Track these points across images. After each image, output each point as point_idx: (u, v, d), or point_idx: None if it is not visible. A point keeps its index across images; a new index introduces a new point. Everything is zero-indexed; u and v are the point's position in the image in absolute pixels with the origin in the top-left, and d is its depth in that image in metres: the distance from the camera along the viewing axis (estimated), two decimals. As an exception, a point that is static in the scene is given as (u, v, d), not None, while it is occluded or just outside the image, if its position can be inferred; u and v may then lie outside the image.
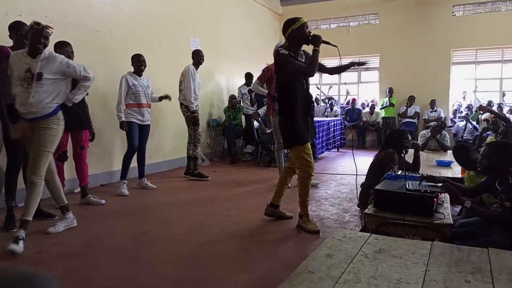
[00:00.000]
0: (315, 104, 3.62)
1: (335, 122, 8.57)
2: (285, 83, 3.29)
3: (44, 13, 4.38)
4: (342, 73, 5.84)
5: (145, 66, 4.81)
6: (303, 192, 3.43)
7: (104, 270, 2.63)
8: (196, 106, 5.49)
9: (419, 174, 2.94)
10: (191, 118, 5.47)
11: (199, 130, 5.64)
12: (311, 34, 3.22)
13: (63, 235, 3.30)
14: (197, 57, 5.55)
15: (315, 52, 3.18)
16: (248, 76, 7.69)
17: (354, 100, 10.29)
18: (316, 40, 3.18)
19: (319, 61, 3.22)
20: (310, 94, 3.50)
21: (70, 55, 3.89)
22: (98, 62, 5.00)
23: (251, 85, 5.24)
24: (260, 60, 9.87)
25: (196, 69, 5.56)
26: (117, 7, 5.41)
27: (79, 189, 4.79)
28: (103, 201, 4.31)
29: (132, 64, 4.79)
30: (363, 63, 3.54)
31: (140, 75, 4.80)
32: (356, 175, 3.70)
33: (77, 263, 2.72)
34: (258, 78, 5.16)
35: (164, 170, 6.30)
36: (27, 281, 0.46)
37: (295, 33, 3.19)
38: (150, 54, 5.88)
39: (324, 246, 1.65)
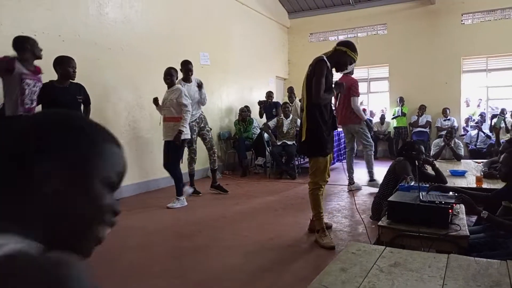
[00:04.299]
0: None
1: (346, 133, 8.56)
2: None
3: (57, 32, 4.49)
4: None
5: (171, 80, 4.76)
6: (315, 205, 3.38)
7: (115, 284, 2.64)
8: (194, 121, 5.28)
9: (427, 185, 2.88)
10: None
11: (192, 146, 5.36)
12: (337, 81, 3.57)
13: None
14: (185, 68, 5.27)
15: (332, 93, 3.38)
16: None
17: (364, 110, 10.24)
18: (339, 87, 3.52)
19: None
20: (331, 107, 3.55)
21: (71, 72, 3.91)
22: (111, 78, 5.09)
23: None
24: (269, 73, 9.96)
25: (187, 81, 5.31)
26: (128, 25, 5.52)
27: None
28: None
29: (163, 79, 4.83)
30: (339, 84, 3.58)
31: (168, 88, 4.79)
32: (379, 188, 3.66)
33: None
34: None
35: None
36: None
37: (343, 56, 3.30)
38: (160, 70, 5.99)
39: (338, 260, 1.64)
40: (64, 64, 3.85)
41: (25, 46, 3.50)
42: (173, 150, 4.67)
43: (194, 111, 5.29)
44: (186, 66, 5.29)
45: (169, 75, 4.72)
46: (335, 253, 3.10)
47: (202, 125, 5.45)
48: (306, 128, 3.31)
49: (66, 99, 3.87)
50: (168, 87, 4.77)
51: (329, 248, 3.22)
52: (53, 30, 4.45)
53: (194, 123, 5.33)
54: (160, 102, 4.85)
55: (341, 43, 3.38)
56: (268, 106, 7.97)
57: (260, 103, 8.08)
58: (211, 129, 5.63)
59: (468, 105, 9.55)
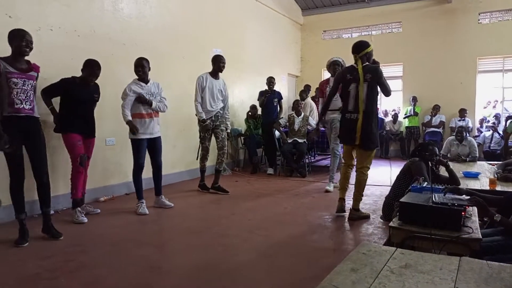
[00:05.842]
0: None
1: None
2: (376, 92, 3.92)
3: (73, 27, 4.55)
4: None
5: (143, 72, 4.33)
6: (364, 186, 4.08)
7: (128, 280, 2.67)
8: (209, 118, 5.19)
9: (444, 186, 2.86)
10: (200, 128, 5.24)
11: (206, 144, 5.28)
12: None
13: (90, 244, 3.38)
14: (219, 63, 5.20)
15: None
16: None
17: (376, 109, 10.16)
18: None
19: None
20: None
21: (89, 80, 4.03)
22: (124, 73, 5.11)
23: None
24: (281, 70, 9.93)
25: (215, 77, 5.26)
26: (142, 21, 5.56)
27: (105, 197, 4.92)
28: (98, 210, 4.33)
29: (134, 70, 4.38)
30: None
31: (145, 82, 4.38)
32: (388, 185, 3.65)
33: (102, 272, 2.77)
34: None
35: (187, 180, 6.38)
36: None
37: (369, 54, 3.94)
38: (173, 65, 6.06)
39: (348, 260, 1.63)
40: (87, 70, 4.00)
41: (9, 42, 3.29)
42: (161, 146, 4.58)
43: (213, 107, 5.23)
44: (221, 62, 5.22)
45: (141, 67, 4.30)
46: (344, 251, 3.09)
47: (218, 122, 5.31)
48: (372, 126, 3.88)
49: (85, 96, 4.03)
50: (141, 79, 4.35)
51: (367, 216, 4.12)
52: (69, 25, 4.50)
53: (209, 121, 5.22)
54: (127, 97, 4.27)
55: (361, 47, 3.91)
56: (270, 95, 7.22)
57: (264, 92, 7.32)
58: (226, 128, 5.43)
59: (485, 107, 9.39)
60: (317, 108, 7.79)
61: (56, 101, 3.99)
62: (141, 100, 4.27)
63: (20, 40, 3.25)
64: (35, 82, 3.43)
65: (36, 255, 3.06)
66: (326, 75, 8.84)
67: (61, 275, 2.69)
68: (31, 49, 3.33)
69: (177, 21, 6.23)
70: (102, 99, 4.35)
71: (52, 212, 4.24)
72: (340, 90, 4.18)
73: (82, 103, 4.00)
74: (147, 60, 4.39)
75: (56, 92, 3.93)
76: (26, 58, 3.37)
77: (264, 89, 7.34)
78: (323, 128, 6.06)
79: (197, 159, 5.46)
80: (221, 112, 5.37)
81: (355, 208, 4.07)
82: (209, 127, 5.21)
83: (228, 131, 5.58)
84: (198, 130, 5.34)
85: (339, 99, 4.99)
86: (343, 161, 4.43)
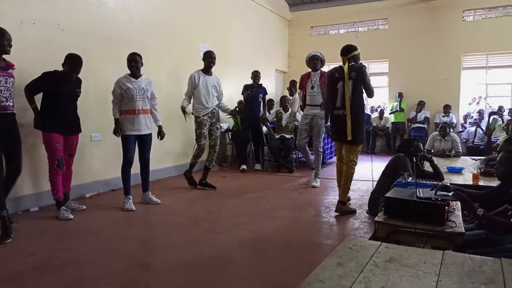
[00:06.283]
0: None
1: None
2: (361, 90, 4.09)
3: (57, 21, 4.46)
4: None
5: (136, 67, 4.31)
6: (351, 179, 4.18)
7: (114, 276, 2.65)
8: (206, 114, 5.18)
9: (432, 182, 2.90)
10: (196, 126, 5.22)
11: (201, 142, 5.20)
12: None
13: (75, 240, 3.34)
14: (208, 59, 5.20)
15: None
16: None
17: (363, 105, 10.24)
18: None
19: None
20: None
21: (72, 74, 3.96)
22: (109, 68, 5.06)
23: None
24: (269, 66, 9.93)
25: (208, 73, 5.23)
26: (128, 15, 5.49)
27: (90, 194, 4.87)
28: (84, 207, 4.28)
29: (127, 65, 4.36)
30: None
31: (136, 77, 4.35)
32: (372, 181, 3.69)
33: (88, 269, 2.75)
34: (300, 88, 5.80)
35: (174, 175, 6.34)
36: None
37: (356, 57, 4.19)
38: (160, 60, 6.00)
39: (334, 254, 1.65)
40: (68, 65, 3.90)
41: None
42: (151, 143, 4.56)
43: (208, 104, 5.20)
44: (210, 57, 5.20)
45: (134, 62, 4.28)
46: (331, 246, 3.12)
47: (214, 120, 5.29)
48: (359, 122, 4.04)
49: (67, 90, 3.93)
50: (132, 74, 4.33)
51: (354, 211, 4.18)
52: (52, 19, 4.41)
53: (206, 117, 5.20)
54: (119, 91, 4.29)
55: (349, 50, 4.18)
56: (256, 90, 6.92)
57: (250, 86, 6.98)
58: (221, 127, 5.42)
59: (470, 103, 9.56)
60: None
61: (38, 97, 3.90)
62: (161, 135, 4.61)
63: (1, 38, 3.24)
64: (14, 79, 3.44)
65: (19, 252, 3.01)
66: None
67: (46, 273, 2.65)
68: (11, 46, 3.32)
69: (163, 16, 6.17)
70: (87, 94, 4.29)
71: (36, 208, 4.21)
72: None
73: (64, 97, 3.88)
74: (140, 56, 4.36)
75: (39, 87, 3.81)
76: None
77: (250, 83, 7.11)
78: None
79: (193, 157, 5.39)
80: (217, 109, 5.36)
81: (342, 201, 4.18)
82: (205, 122, 5.17)
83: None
84: (194, 128, 5.26)
85: (320, 94, 5.35)
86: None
